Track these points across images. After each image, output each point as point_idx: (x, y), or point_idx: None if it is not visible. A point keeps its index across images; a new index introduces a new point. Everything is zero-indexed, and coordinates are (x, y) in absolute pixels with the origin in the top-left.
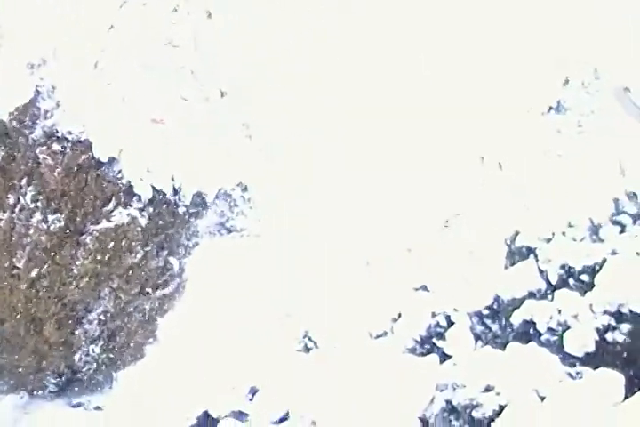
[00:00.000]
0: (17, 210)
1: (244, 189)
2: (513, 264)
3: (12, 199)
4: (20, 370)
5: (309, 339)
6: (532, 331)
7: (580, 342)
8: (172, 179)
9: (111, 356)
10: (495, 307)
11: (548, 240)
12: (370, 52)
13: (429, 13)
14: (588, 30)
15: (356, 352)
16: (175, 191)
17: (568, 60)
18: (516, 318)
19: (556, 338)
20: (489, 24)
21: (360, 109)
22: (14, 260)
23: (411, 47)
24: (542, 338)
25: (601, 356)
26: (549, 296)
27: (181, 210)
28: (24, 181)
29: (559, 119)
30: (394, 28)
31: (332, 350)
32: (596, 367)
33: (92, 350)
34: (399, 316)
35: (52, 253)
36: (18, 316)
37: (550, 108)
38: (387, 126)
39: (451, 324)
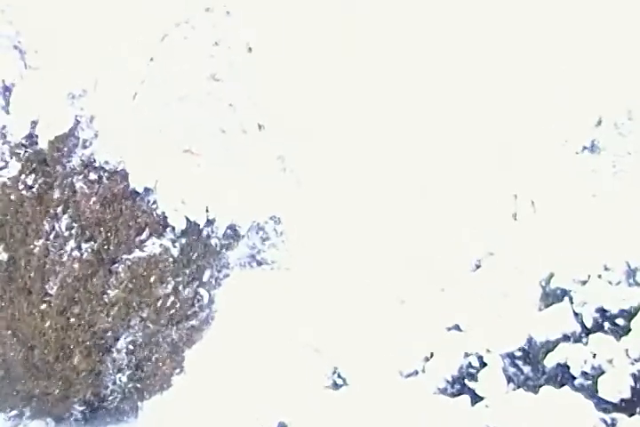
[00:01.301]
0: (51, 237)
1: (277, 222)
2: (547, 306)
3: (47, 226)
4: (48, 397)
5: (339, 375)
6: (565, 375)
7: (615, 387)
8: (207, 210)
9: (138, 385)
10: (528, 349)
11: (584, 283)
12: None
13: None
14: (622, 69)
15: (387, 391)
16: (208, 223)
17: (601, 100)
18: (550, 361)
19: (590, 383)
20: (523, 61)
21: (397, 147)
22: (47, 287)
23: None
24: (576, 382)
25: (636, 402)
26: (584, 340)
27: (214, 241)
28: (59, 209)
29: (593, 159)
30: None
31: (362, 388)
32: (631, 415)
33: (119, 379)
34: (431, 355)
35: (84, 282)
36: (48, 343)
37: (584, 147)
38: (420, 162)
39: (483, 365)
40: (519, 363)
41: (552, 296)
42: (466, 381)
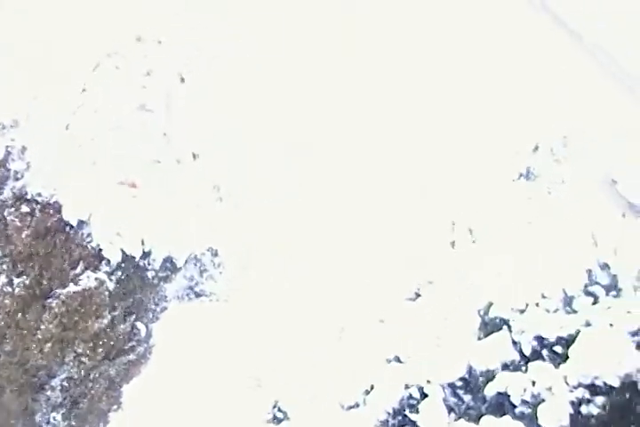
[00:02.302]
0: None
1: (215, 254)
2: (486, 335)
3: None
4: None
5: (279, 409)
6: (506, 403)
7: (555, 414)
8: (142, 243)
9: (73, 424)
10: (469, 378)
11: (522, 311)
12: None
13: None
14: (560, 97)
15: (328, 424)
16: (144, 255)
17: (537, 126)
18: (490, 390)
19: (530, 411)
20: (459, 89)
21: (338, 174)
22: None
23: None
24: (517, 411)
25: None
26: (523, 368)
27: (150, 274)
28: None
29: (529, 186)
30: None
31: (303, 422)
32: None
33: (54, 418)
34: (371, 387)
35: (16, 317)
36: None
37: (520, 174)
38: (360, 194)
39: (424, 396)
40: (460, 392)
41: (491, 325)
42: (407, 412)
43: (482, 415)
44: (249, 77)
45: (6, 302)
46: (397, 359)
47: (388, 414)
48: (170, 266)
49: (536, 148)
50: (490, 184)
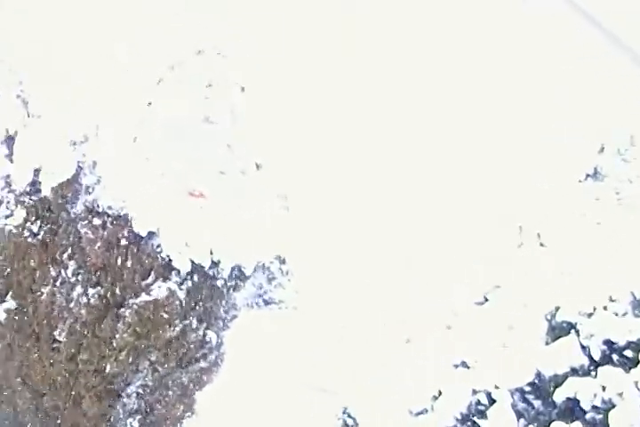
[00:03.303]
0: (58, 283)
1: (282, 262)
2: (554, 340)
3: (53, 273)
4: None
5: (349, 415)
6: (576, 409)
7: (627, 420)
8: (211, 252)
9: None
10: (538, 383)
11: (590, 315)
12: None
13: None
14: (625, 97)
15: None
16: (213, 265)
17: (603, 127)
18: (559, 396)
19: (601, 417)
20: (525, 91)
21: (403, 181)
22: (55, 333)
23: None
24: (587, 416)
25: None
26: (593, 373)
27: (219, 283)
28: (65, 255)
29: (597, 187)
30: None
31: None
32: None
33: (130, 423)
34: (439, 393)
35: (92, 327)
36: (57, 389)
37: (587, 175)
38: (427, 200)
39: (492, 401)
40: (529, 398)
41: (558, 329)
42: (475, 418)
43: (552, 421)
44: (308, 86)
45: (82, 312)
46: (465, 365)
47: (457, 420)
48: (239, 274)
49: (602, 148)
50: (557, 186)
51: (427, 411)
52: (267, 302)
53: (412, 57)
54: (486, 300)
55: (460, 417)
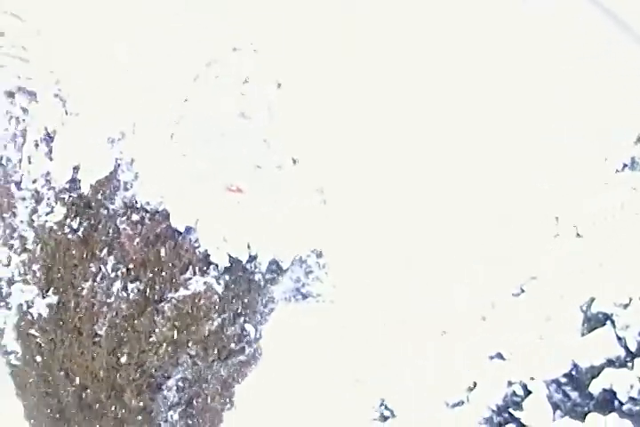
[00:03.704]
0: (98, 279)
1: (319, 255)
2: (590, 331)
3: (93, 268)
4: None
5: (386, 407)
6: (613, 400)
7: None
8: (248, 246)
9: (189, 422)
10: (574, 375)
11: (625, 306)
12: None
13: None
14: None
15: (433, 421)
16: (251, 259)
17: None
18: (595, 387)
19: (638, 408)
20: (561, 83)
21: (439, 174)
22: (96, 327)
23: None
24: (624, 408)
25: None
26: (629, 364)
27: (257, 277)
28: (105, 251)
29: (634, 177)
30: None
31: (409, 419)
32: None
33: (171, 416)
34: (474, 385)
35: (132, 321)
36: (99, 382)
37: (624, 165)
38: (462, 191)
39: (528, 393)
40: (566, 389)
41: (594, 320)
42: (511, 410)
43: (588, 413)
44: (344, 80)
45: (122, 306)
46: (500, 356)
47: (492, 411)
48: (276, 268)
49: (639, 138)
50: (594, 176)
51: (462, 403)
52: (304, 296)
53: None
54: (522, 291)
55: (495, 409)
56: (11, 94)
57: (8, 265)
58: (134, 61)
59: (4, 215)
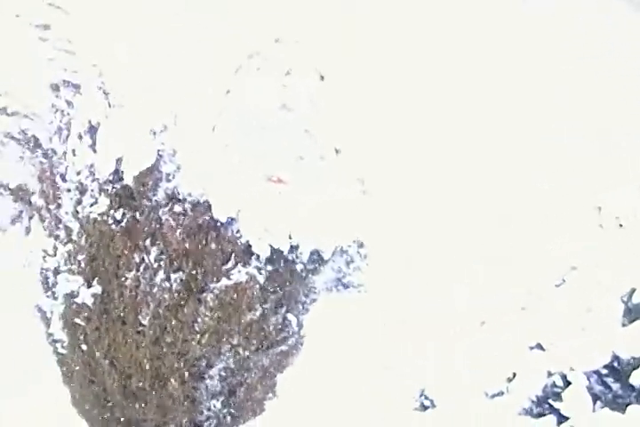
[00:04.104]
0: (142, 269)
1: (360, 246)
2: (631, 322)
3: (137, 259)
4: (146, 423)
5: (426, 397)
6: None
7: None
8: (290, 237)
9: (232, 411)
10: (615, 366)
11: None
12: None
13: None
14: None
15: (473, 412)
16: (292, 249)
17: None
18: (637, 379)
19: None
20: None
21: (481, 166)
22: (139, 317)
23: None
24: None
25: None
26: None
27: (299, 267)
28: (148, 242)
29: None
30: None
31: (449, 409)
32: None
33: (214, 405)
34: (514, 375)
35: (175, 311)
36: (143, 371)
37: None
38: (502, 181)
39: (567, 383)
40: (608, 380)
41: (635, 311)
42: (551, 400)
43: (629, 404)
44: (387, 71)
45: (165, 296)
46: (540, 347)
47: (532, 402)
48: (317, 259)
49: None
50: (636, 165)
51: (502, 393)
52: (346, 286)
53: None
54: (564, 281)
55: (535, 399)
56: (56, 87)
57: (54, 255)
58: (177, 53)
59: (50, 207)
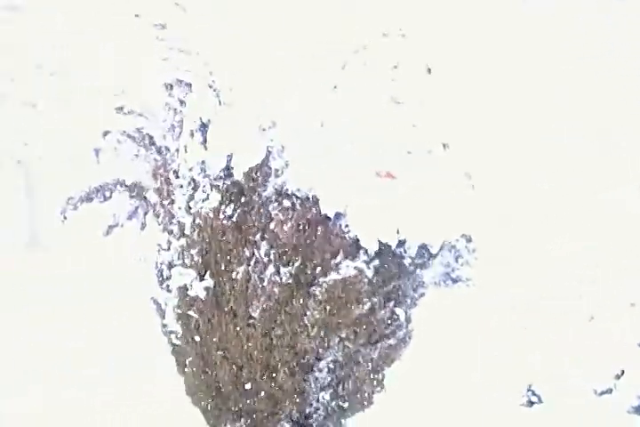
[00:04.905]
0: (252, 263)
1: (469, 240)
2: None
3: (247, 253)
4: (256, 414)
5: (533, 393)
6: None
7: None
8: (397, 231)
9: (340, 403)
10: None
11: None
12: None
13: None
14: None
15: (581, 409)
16: (400, 244)
17: None
18: None
19: None
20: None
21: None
22: (250, 310)
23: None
24: None
25: None
26: None
27: (407, 261)
28: (258, 236)
29: None
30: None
31: (557, 406)
32: None
33: (322, 397)
34: (622, 372)
35: (285, 304)
36: (254, 362)
37: None
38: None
39: None
40: None
41: None
42: None
43: None
44: (493, 64)
45: (275, 290)
46: None
47: None
48: (425, 253)
49: None
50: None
51: (610, 391)
52: (454, 280)
53: None
54: None
55: None
56: (169, 86)
57: (168, 250)
58: (285, 51)
59: (164, 202)
